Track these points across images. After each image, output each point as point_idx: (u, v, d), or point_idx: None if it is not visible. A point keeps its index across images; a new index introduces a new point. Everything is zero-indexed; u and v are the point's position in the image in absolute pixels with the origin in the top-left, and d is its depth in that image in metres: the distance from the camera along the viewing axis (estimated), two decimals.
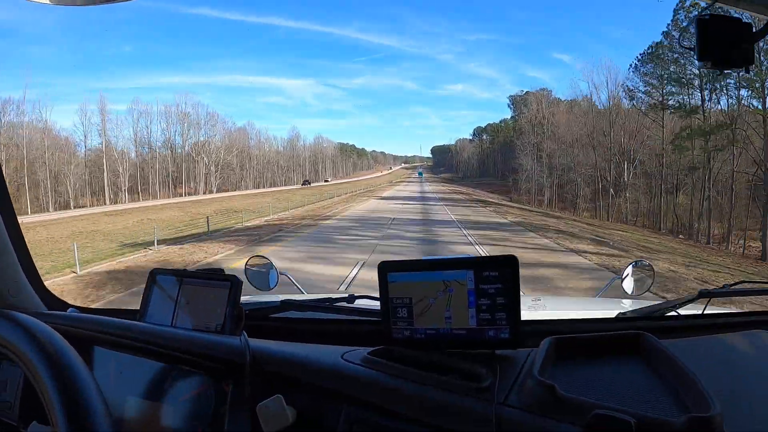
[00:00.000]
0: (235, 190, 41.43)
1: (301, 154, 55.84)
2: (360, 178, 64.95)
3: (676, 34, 23.12)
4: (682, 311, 0.93)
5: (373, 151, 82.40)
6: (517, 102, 45.39)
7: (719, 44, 0.69)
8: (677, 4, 22.51)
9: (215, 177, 40.60)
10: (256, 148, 48.47)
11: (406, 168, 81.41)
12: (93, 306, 1.15)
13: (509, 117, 48.83)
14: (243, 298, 0.88)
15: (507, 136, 48.49)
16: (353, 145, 74.43)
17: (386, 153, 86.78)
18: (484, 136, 61.35)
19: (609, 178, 27.91)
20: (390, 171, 79.60)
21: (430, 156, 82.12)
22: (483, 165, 59.75)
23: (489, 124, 59.97)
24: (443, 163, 75.44)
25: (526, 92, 42.73)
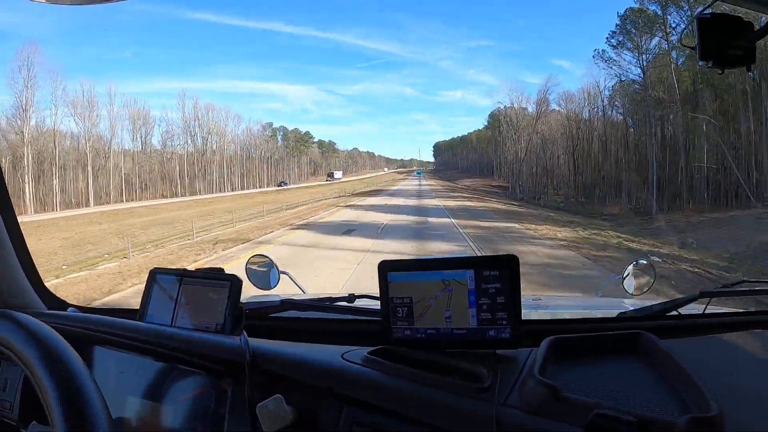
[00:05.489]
0: None
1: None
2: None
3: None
4: (683, 311, 0.93)
5: (355, 149, 58.02)
6: None
7: (720, 43, 0.69)
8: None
9: None
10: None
11: (399, 172, 63.69)
12: (93, 306, 1.15)
13: None
14: (243, 298, 0.88)
15: None
16: (308, 133, 45.78)
17: (376, 154, 66.35)
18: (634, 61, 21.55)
19: None
20: (335, 180, 44.50)
21: (432, 158, 66.41)
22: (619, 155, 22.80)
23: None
24: (450, 162, 55.08)
25: None
